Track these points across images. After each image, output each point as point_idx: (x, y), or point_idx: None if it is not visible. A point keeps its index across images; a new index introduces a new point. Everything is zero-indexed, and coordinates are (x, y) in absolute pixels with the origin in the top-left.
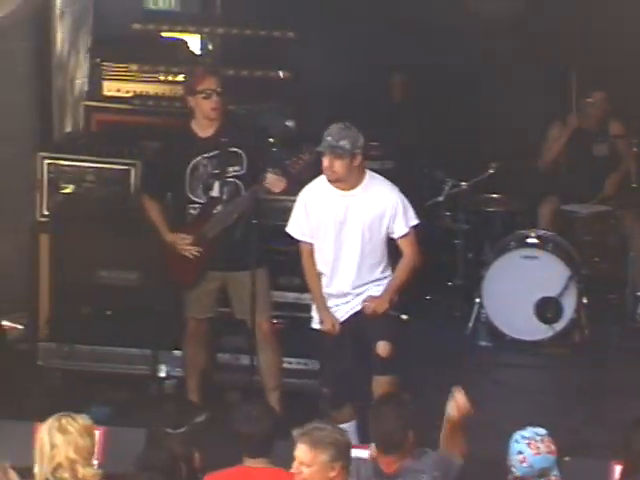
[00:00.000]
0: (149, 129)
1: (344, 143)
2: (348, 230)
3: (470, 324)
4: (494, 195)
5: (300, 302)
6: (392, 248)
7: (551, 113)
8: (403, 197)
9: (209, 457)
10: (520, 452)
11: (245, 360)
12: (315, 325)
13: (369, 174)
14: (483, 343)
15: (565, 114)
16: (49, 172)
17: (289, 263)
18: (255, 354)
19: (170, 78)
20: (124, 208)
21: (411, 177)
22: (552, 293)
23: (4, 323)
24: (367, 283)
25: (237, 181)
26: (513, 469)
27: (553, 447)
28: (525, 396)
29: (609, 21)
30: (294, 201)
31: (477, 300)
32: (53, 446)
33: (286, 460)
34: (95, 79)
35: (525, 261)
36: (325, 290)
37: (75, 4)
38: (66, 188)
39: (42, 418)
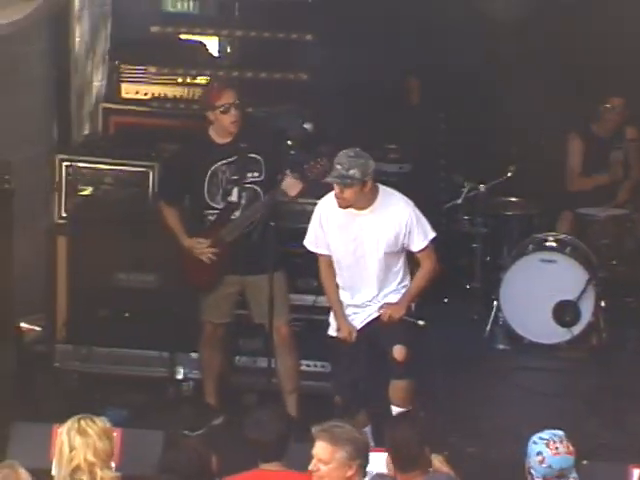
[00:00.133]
0: (167, 131)
1: (354, 172)
2: (364, 248)
3: (488, 327)
4: (512, 198)
5: (317, 305)
6: (410, 254)
7: (570, 117)
8: (417, 212)
9: (226, 460)
10: (539, 453)
11: (263, 363)
12: (332, 332)
13: (382, 191)
14: (501, 346)
15: (582, 119)
16: (67, 174)
17: (306, 265)
18: (273, 357)
19: (188, 80)
20: (142, 210)
21: (429, 180)
22: (570, 296)
23: (22, 325)
24: (388, 293)
25: (256, 187)
26: (532, 471)
27: (571, 448)
28: (543, 399)
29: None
30: (311, 203)
31: (495, 303)
32: (72, 448)
33: (304, 463)
34: (113, 81)
35: (543, 264)
36: (348, 302)
37: (93, 6)
38: (84, 190)
39: (59, 420)
